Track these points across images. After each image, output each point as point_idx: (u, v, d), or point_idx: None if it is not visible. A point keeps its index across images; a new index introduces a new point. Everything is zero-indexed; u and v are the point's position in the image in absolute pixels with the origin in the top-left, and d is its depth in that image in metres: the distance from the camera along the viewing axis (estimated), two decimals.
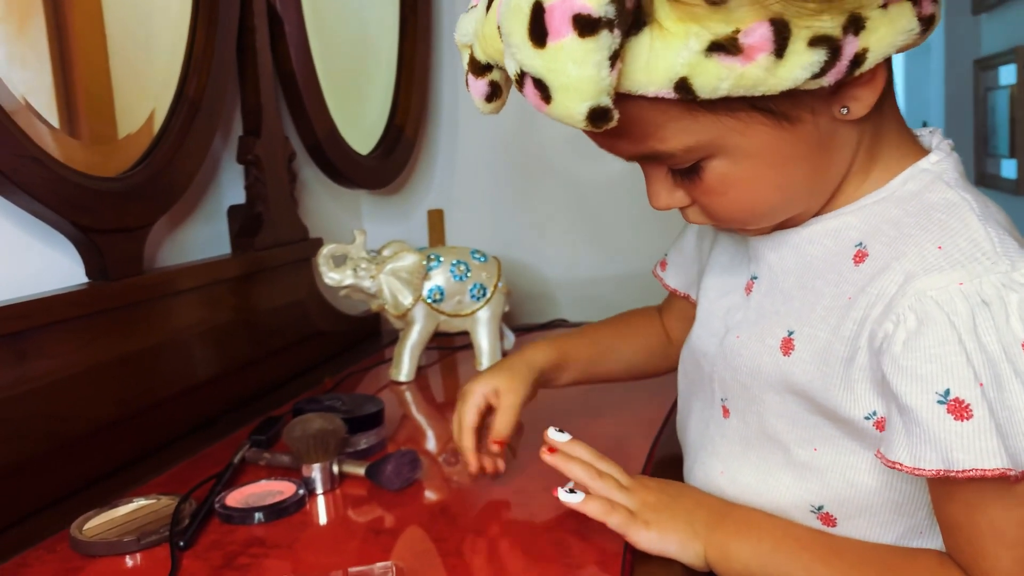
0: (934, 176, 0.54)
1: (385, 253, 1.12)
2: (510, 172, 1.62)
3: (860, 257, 0.54)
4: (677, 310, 0.82)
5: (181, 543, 0.66)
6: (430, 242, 1.62)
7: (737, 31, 0.43)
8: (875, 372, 0.51)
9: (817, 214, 0.57)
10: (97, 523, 0.71)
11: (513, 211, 1.63)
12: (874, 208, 0.55)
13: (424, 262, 1.12)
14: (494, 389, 0.74)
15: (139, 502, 0.74)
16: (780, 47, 0.44)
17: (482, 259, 1.17)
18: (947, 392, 0.47)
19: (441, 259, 1.15)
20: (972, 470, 0.46)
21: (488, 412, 0.75)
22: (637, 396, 0.96)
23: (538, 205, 1.62)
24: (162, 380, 0.95)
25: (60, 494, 0.80)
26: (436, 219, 1.62)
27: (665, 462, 0.80)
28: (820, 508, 0.57)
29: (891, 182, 0.55)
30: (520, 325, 1.42)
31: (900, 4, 0.47)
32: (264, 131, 1.14)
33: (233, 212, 1.15)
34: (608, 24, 0.42)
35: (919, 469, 0.48)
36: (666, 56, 0.44)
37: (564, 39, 0.43)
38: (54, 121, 0.84)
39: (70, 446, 0.81)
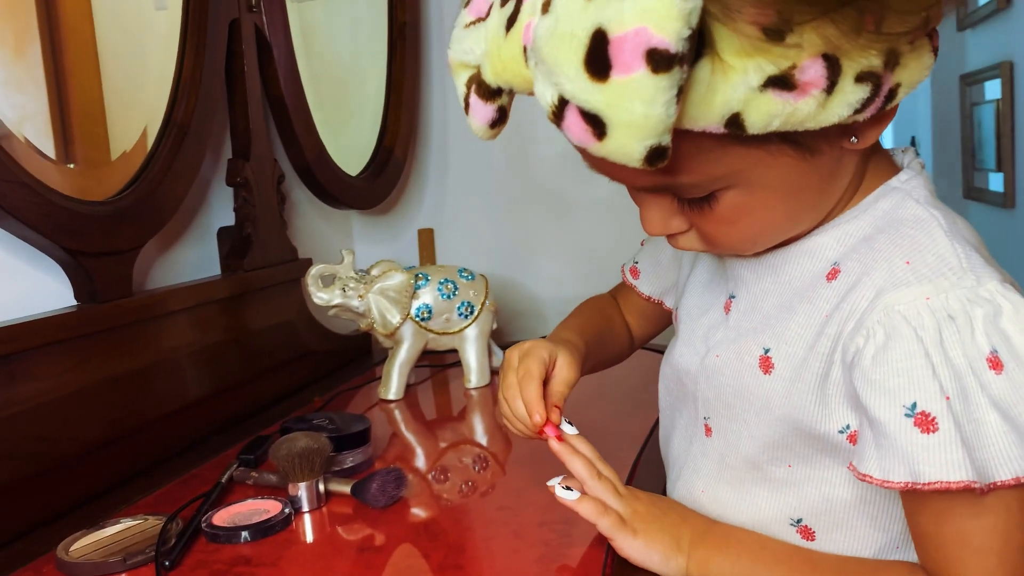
0: (904, 194, 0.55)
1: (374, 272, 1.13)
2: (499, 192, 1.64)
3: (833, 274, 0.54)
4: (638, 308, 0.83)
5: (167, 563, 0.67)
6: (420, 261, 1.64)
7: (794, 66, 0.42)
8: (848, 387, 0.52)
9: None
10: (83, 544, 0.71)
11: (503, 230, 1.64)
12: (847, 227, 0.55)
13: (412, 281, 1.13)
14: (552, 357, 0.67)
15: (126, 523, 0.75)
16: (832, 83, 0.43)
17: (470, 277, 1.19)
18: (914, 405, 0.47)
19: (429, 278, 1.16)
20: (938, 483, 0.46)
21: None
22: (621, 410, 0.97)
23: (527, 224, 1.63)
24: (152, 401, 0.96)
25: (48, 516, 0.80)
26: (426, 239, 1.64)
27: (648, 477, 0.81)
28: (799, 521, 0.58)
29: (864, 201, 0.56)
30: (509, 342, 1.42)
31: (922, 40, 0.47)
32: (253, 154, 1.16)
33: (222, 234, 1.16)
34: (681, 60, 0.39)
35: (888, 482, 0.48)
36: (723, 91, 0.42)
37: (634, 74, 0.39)
38: (49, 144, 0.86)
39: (58, 468, 0.82)
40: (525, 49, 0.44)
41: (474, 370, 1.17)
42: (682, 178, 0.49)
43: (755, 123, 0.44)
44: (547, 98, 0.43)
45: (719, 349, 0.61)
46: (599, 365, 0.80)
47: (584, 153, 0.49)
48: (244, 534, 0.71)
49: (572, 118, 0.42)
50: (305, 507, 0.77)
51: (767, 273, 0.59)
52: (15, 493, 0.77)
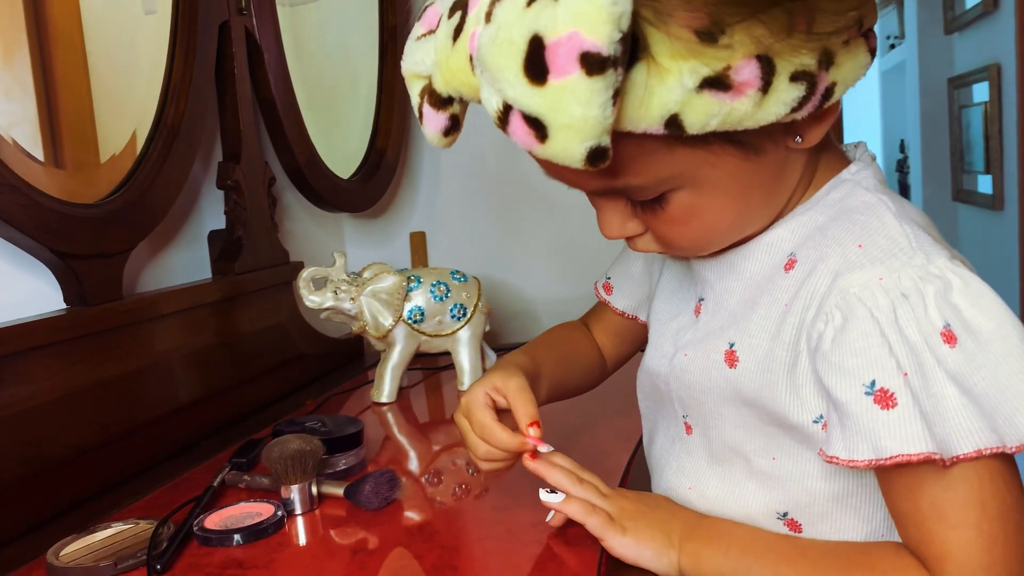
0: (854, 184, 0.56)
1: (365, 275, 1.12)
2: (491, 194, 1.64)
3: (790, 264, 0.56)
4: (612, 326, 0.82)
5: (158, 567, 0.66)
6: (413, 264, 1.63)
7: (728, 67, 0.44)
8: (816, 374, 0.53)
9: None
10: (74, 549, 0.70)
11: (495, 232, 1.64)
12: (801, 218, 0.57)
13: (404, 283, 1.13)
14: (492, 386, 0.66)
15: (117, 527, 0.74)
16: (767, 83, 0.45)
17: (462, 279, 1.18)
18: (873, 383, 0.48)
19: (421, 280, 1.16)
20: (898, 455, 0.47)
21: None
22: (614, 411, 0.97)
23: (520, 225, 1.63)
24: (142, 405, 0.95)
25: (38, 520, 0.79)
26: (418, 241, 1.63)
27: (643, 477, 0.81)
28: (785, 514, 0.58)
29: (817, 193, 0.57)
30: (502, 344, 1.42)
31: (857, 39, 0.49)
32: (244, 157, 1.15)
33: (213, 237, 1.15)
34: (615, 63, 0.41)
35: (854, 461, 0.49)
36: (660, 93, 0.43)
37: (569, 77, 0.41)
38: (38, 147, 0.85)
39: (48, 472, 0.81)
40: (471, 58, 0.46)
41: (467, 372, 1.17)
42: (630, 180, 0.51)
43: (694, 123, 0.45)
44: (492, 104, 0.45)
45: (687, 349, 0.62)
46: (562, 388, 0.77)
47: (539, 160, 0.51)
48: (236, 537, 0.71)
49: (516, 123, 0.44)
50: (298, 510, 0.77)
51: (729, 272, 0.60)
52: (5, 497, 0.76)
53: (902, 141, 4.27)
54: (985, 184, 2.79)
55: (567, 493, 0.63)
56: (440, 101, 0.50)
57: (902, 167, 4.27)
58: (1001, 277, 2.59)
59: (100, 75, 0.95)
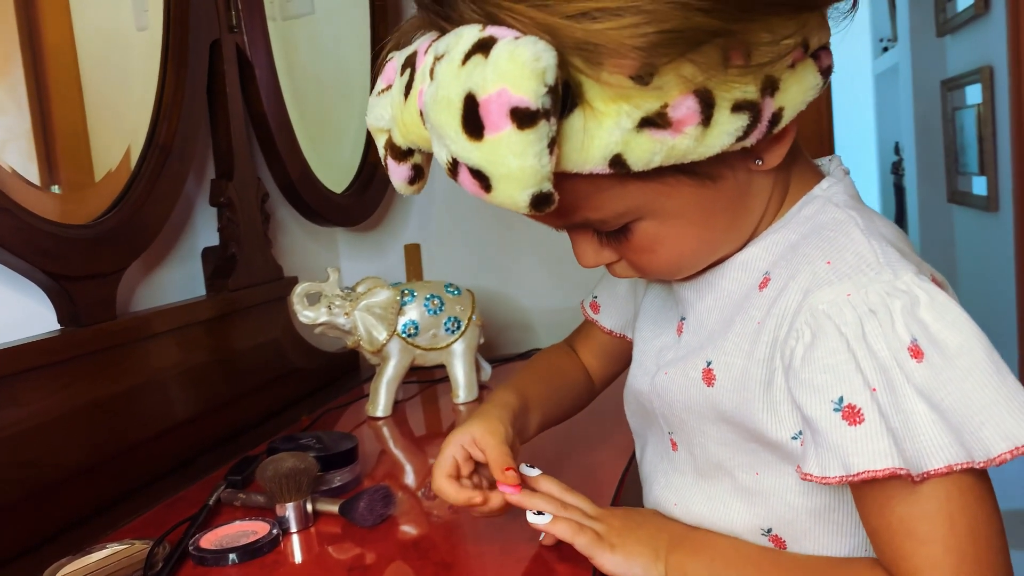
0: (824, 200, 0.57)
1: (359, 290, 1.13)
2: (485, 206, 1.63)
3: (764, 283, 0.56)
4: (599, 347, 0.82)
5: None
6: (407, 277, 1.64)
7: (665, 105, 0.44)
8: (791, 391, 0.53)
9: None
10: (69, 571, 0.70)
11: (490, 244, 1.64)
12: (774, 237, 0.57)
13: (398, 297, 1.13)
14: (470, 438, 0.67)
15: (113, 548, 0.74)
16: (707, 117, 0.45)
17: (456, 292, 1.19)
18: (841, 399, 0.48)
19: (415, 294, 1.16)
20: (864, 472, 0.47)
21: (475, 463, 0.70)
22: (609, 423, 0.97)
23: (514, 237, 1.63)
24: (138, 424, 0.95)
25: (32, 542, 0.79)
26: (413, 254, 1.64)
27: (637, 490, 0.81)
28: (769, 530, 0.58)
29: (790, 211, 0.58)
30: (498, 356, 1.42)
31: (804, 61, 0.50)
32: (236, 173, 1.15)
33: (207, 254, 1.15)
34: (545, 114, 0.42)
35: (826, 478, 0.49)
36: (600, 136, 0.45)
37: (502, 132, 0.43)
38: (33, 167, 0.86)
39: (43, 493, 0.81)
40: (421, 113, 0.48)
41: (462, 385, 1.17)
42: (589, 215, 0.52)
43: (637, 161, 0.46)
44: (442, 157, 0.47)
45: (668, 367, 0.63)
46: (552, 418, 0.78)
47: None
48: (232, 556, 0.71)
49: (463, 174, 0.46)
50: (293, 528, 0.77)
51: (708, 291, 0.60)
52: None
53: (896, 144, 4.28)
54: (980, 186, 2.80)
55: (554, 515, 0.63)
56: (401, 153, 0.53)
57: (897, 169, 4.28)
58: (996, 278, 2.59)
59: (93, 93, 0.95)
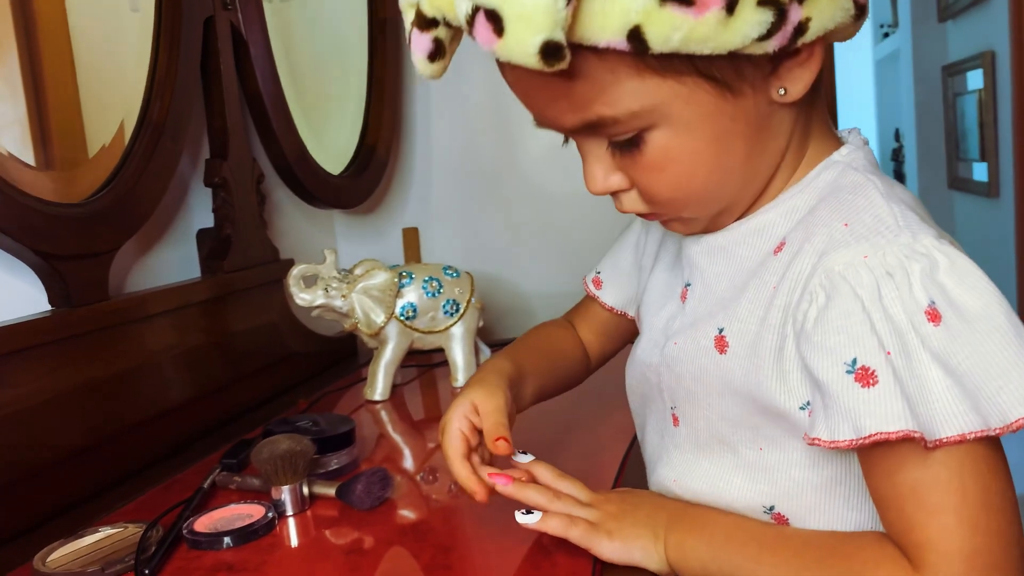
0: (844, 165, 0.56)
1: (357, 272, 1.11)
2: (484, 188, 1.62)
3: (780, 247, 0.55)
4: (598, 324, 0.81)
5: (147, 571, 0.65)
6: (405, 260, 1.62)
7: None
8: (802, 358, 0.52)
9: (744, 215, 0.58)
10: (61, 554, 0.69)
11: (488, 227, 1.63)
12: (792, 202, 0.56)
13: (396, 279, 1.12)
14: (471, 405, 0.66)
15: (105, 531, 0.73)
16: (731, 3, 0.44)
17: (454, 275, 1.17)
18: (854, 361, 0.47)
19: (413, 276, 1.14)
20: (876, 434, 0.46)
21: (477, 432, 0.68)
22: (611, 405, 0.96)
23: (513, 220, 1.62)
24: (132, 406, 0.94)
25: (24, 525, 0.78)
26: (411, 237, 1.62)
27: (640, 471, 0.80)
28: (772, 508, 0.57)
29: (808, 175, 0.57)
30: (497, 339, 1.41)
31: None
32: (231, 153, 1.14)
33: (202, 235, 1.14)
34: None
35: (835, 442, 0.48)
36: (622, 1, 0.44)
37: None
38: (28, 144, 0.84)
39: (35, 476, 0.80)
40: None
41: (461, 368, 1.15)
42: (603, 110, 0.51)
43: (656, 37, 0.45)
44: (463, 9, 0.46)
45: (677, 337, 0.62)
46: (547, 390, 0.76)
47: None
48: (226, 540, 0.70)
49: (479, 22, 0.45)
50: (289, 511, 0.75)
51: (720, 256, 0.59)
52: None
53: (897, 130, 4.26)
54: (980, 172, 2.79)
55: (545, 510, 0.62)
56: (425, 22, 0.51)
57: (897, 156, 4.26)
58: (997, 264, 2.58)
59: (87, 70, 0.93)
